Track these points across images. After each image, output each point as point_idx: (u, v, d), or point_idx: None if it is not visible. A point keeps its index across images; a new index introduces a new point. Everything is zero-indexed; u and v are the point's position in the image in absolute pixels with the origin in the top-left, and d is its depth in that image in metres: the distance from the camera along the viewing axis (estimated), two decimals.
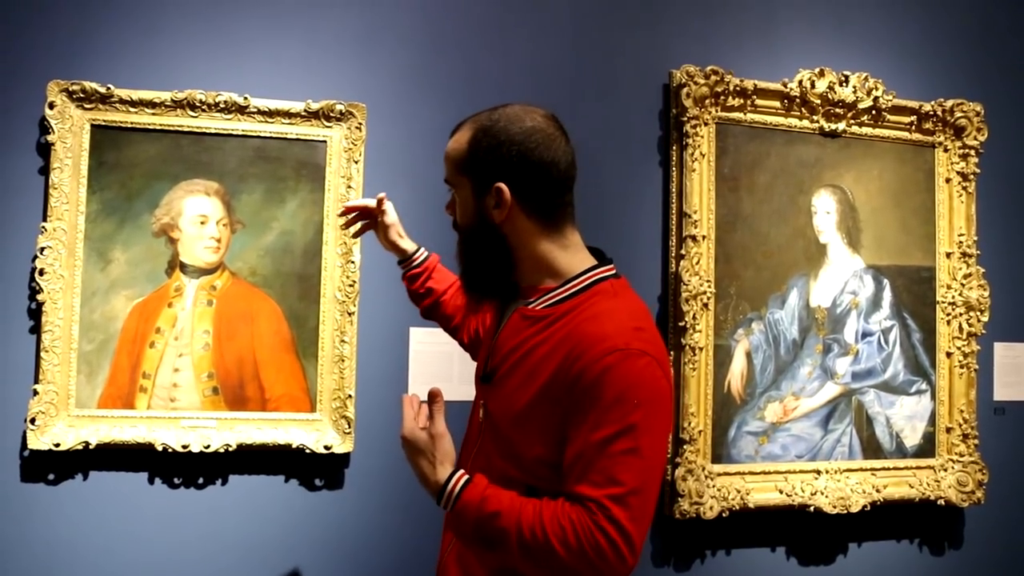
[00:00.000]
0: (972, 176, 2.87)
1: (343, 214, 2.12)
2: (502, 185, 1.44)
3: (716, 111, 2.65)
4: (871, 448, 2.77)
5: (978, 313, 2.85)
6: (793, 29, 2.86)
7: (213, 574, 2.37)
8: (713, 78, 2.62)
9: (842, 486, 2.70)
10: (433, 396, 1.46)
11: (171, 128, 2.36)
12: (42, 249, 2.26)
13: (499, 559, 1.40)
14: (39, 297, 2.26)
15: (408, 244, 2.05)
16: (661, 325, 2.65)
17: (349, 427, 2.40)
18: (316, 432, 2.39)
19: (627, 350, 1.32)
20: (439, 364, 2.23)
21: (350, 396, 2.40)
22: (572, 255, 1.49)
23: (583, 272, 1.47)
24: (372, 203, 2.06)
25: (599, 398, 1.31)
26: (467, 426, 1.64)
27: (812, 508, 2.67)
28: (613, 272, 1.50)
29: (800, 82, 2.73)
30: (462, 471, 1.43)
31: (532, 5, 2.66)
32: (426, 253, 2.05)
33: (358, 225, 2.11)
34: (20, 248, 2.30)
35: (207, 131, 2.38)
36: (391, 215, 2.05)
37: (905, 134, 2.86)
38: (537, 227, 1.47)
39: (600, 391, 1.31)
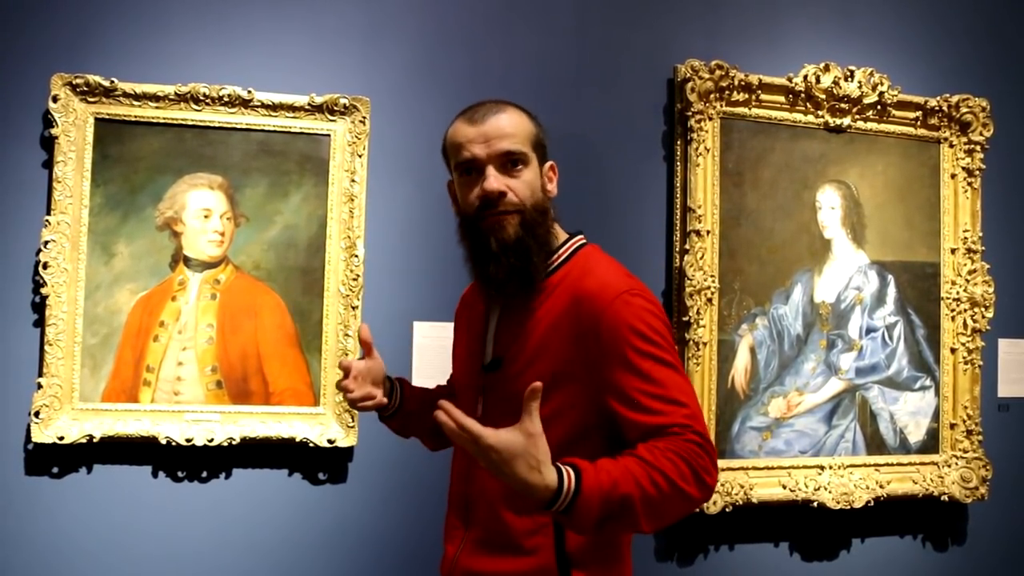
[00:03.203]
0: (977, 172, 2.86)
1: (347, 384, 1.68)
2: (554, 163, 1.59)
3: (720, 106, 2.64)
4: (875, 444, 2.77)
5: (983, 309, 2.84)
6: (798, 23, 2.85)
7: (216, 568, 2.37)
8: (718, 72, 2.61)
9: (845, 481, 2.69)
10: (535, 391, 1.22)
11: (175, 122, 2.36)
12: (46, 243, 2.26)
13: (614, 532, 1.39)
14: (43, 291, 2.26)
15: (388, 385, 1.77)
16: None
17: (352, 421, 2.40)
18: (320, 426, 2.39)
19: (630, 291, 1.41)
20: (443, 358, 2.23)
21: None
22: (556, 232, 1.58)
23: (564, 243, 1.56)
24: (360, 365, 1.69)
25: (625, 336, 1.37)
26: None
27: (815, 503, 2.66)
28: (585, 240, 1.60)
29: (805, 77, 2.72)
30: (564, 466, 1.24)
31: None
32: (398, 388, 1.79)
33: (369, 395, 1.70)
34: (24, 242, 2.30)
35: (211, 125, 2.38)
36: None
37: (910, 129, 2.85)
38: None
39: (623, 330, 1.37)
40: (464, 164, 1.51)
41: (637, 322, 1.37)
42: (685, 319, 2.58)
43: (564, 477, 1.22)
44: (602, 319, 1.38)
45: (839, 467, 2.71)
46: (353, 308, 2.42)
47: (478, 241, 1.51)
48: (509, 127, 1.49)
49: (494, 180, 1.48)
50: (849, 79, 2.75)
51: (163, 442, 2.29)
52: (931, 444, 2.82)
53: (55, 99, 2.28)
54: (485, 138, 1.49)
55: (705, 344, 2.60)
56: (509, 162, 1.49)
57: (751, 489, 2.62)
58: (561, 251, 1.54)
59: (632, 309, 1.38)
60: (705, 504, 2.53)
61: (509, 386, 1.47)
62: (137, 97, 2.33)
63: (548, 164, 1.57)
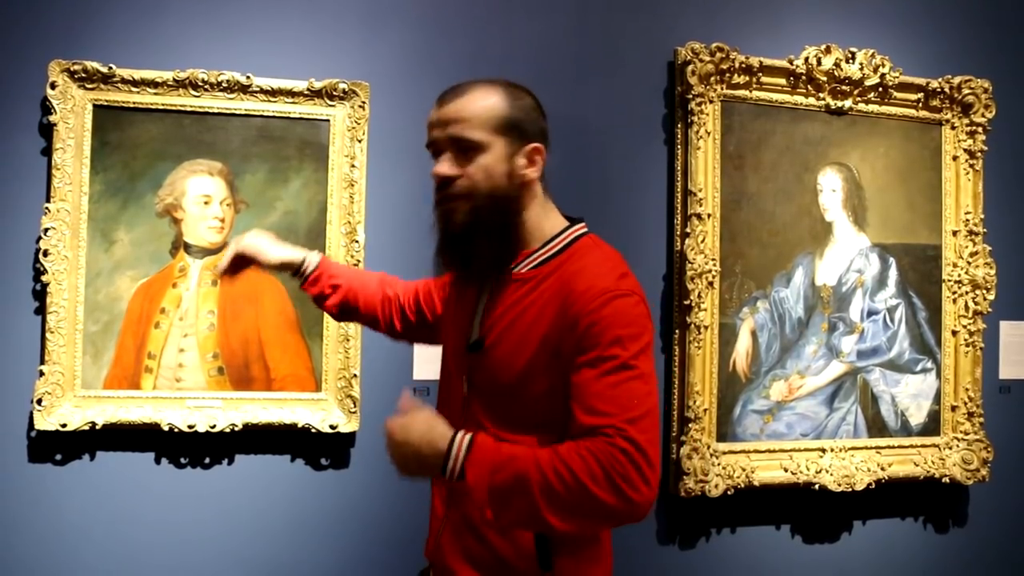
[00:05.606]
0: (979, 154, 2.85)
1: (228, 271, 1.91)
2: (541, 146, 1.50)
3: (721, 88, 2.63)
4: (876, 426, 2.77)
5: (984, 291, 2.84)
6: (799, 5, 2.83)
7: (220, 553, 2.38)
8: (718, 55, 2.60)
9: (847, 464, 2.70)
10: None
11: (174, 108, 2.35)
12: (46, 230, 2.26)
13: (517, 517, 1.35)
14: (44, 278, 2.26)
15: (294, 252, 1.90)
16: (666, 304, 2.65)
17: (354, 406, 2.40)
18: (321, 412, 2.40)
19: (616, 290, 1.40)
20: None
21: (355, 375, 2.40)
22: (552, 219, 1.56)
23: (561, 232, 1.53)
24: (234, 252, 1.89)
25: (598, 337, 1.36)
26: (442, 405, 1.64)
27: (817, 486, 2.67)
28: (587, 229, 1.56)
29: (806, 59, 2.70)
30: (461, 432, 1.40)
31: None
32: (317, 255, 1.92)
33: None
34: (24, 229, 2.30)
35: (210, 111, 2.37)
36: (255, 243, 1.89)
37: (912, 111, 2.83)
38: (539, 191, 1.54)
39: (598, 330, 1.37)
40: (428, 147, 1.52)
41: (613, 325, 1.36)
42: (686, 303, 2.58)
43: (457, 436, 1.37)
44: (581, 319, 1.37)
45: (840, 450, 2.71)
46: None
47: (436, 226, 1.53)
48: (466, 111, 1.45)
49: (442, 165, 1.48)
50: (850, 61, 2.74)
51: (165, 429, 2.30)
52: (932, 426, 2.82)
53: (53, 86, 2.27)
54: (442, 122, 1.47)
55: (706, 328, 2.59)
56: (461, 149, 1.46)
57: (753, 472, 2.62)
58: (556, 240, 1.51)
59: (611, 311, 1.37)
60: (707, 487, 2.55)
61: (492, 369, 1.49)
62: (135, 83, 2.32)
63: (529, 147, 1.48)
